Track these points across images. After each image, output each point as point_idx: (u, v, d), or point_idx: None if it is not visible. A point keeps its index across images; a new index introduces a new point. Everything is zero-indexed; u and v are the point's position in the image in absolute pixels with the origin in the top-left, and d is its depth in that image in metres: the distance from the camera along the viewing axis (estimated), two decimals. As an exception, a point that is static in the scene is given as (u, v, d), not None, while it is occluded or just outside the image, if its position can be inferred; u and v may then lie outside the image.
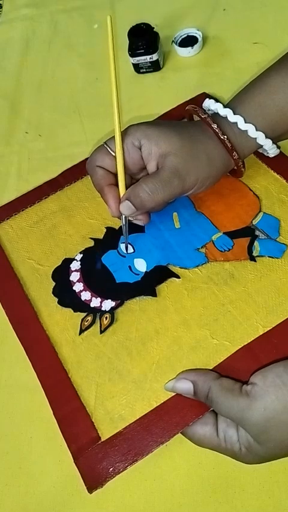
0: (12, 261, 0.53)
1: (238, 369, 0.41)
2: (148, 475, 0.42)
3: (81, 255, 0.52)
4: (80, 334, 0.47)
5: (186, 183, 0.45)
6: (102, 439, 0.41)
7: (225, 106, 0.47)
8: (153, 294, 0.47)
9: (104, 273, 0.50)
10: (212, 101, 0.48)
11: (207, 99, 0.49)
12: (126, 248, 0.50)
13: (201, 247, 0.49)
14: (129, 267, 0.50)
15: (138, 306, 0.47)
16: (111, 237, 0.52)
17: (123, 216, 0.47)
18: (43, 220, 0.56)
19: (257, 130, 0.46)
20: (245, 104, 0.47)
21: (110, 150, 0.47)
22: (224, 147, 0.46)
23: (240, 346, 0.43)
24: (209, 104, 0.49)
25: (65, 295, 0.50)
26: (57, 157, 0.64)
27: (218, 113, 0.47)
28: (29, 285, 0.51)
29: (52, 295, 0.50)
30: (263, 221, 0.50)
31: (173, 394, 0.41)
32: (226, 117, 0.46)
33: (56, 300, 0.49)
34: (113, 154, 0.46)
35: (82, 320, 0.47)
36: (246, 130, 0.46)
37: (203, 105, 0.50)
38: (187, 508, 0.41)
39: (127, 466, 0.39)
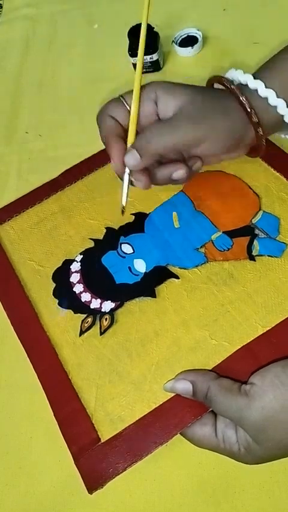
0: (14, 262, 0.53)
1: (237, 370, 0.41)
2: (148, 475, 0.42)
3: (81, 256, 0.52)
4: (80, 335, 0.47)
5: (198, 132, 0.41)
6: (102, 440, 0.41)
7: (254, 77, 0.44)
8: (153, 294, 0.47)
9: (103, 274, 0.50)
10: (240, 71, 0.45)
11: (233, 69, 0.46)
12: (123, 212, 0.45)
13: (201, 246, 0.49)
14: (129, 267, 0.50)
15: (137, 307, 0.47)
16: (111, 238, 0.52)
17: (126, 175, 0.43)
18: (43, 221, 0.56)
19: (277, 97, 0.43)
20: (275, 77, 0.43)
21: (125, 102, 0.44)
22: (250, 121, 0.43)
23: (239, 347, 0.43)
24: (236, 75, 0.45)
25: (65, 297, 0.50)
26: (57, 157, 0.64)
27: (245, 85, 0.44)
28: (30, 286, 0.51)
29: (52, 296, 0.50)
30: (263, 220, 0.50)
31: (172, 395, 0.41)
32: (256, 90, 0.43)
33: (57, 301, 0.49)
34: (128, 107, 0.44)
35: (82, 321, 0.48)
36: (276, 106, 0.43)
37: (228, 74, 0.46)
38: (187, 508, 0.41)
39: (127, 466, 0.39)
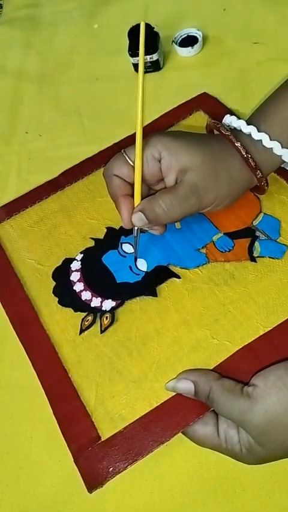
0: (13, 261, 0.53)
1: (239, 369, 0.41)
2: (148, 475, 0.42)
3: (82, 255, 0.52)
4: (80, 334, 0.47)
5: (204, 201, 0.44)
6: (103, 439, 0.41)
7: (247, 122, 0.45)
8: (154, 294, 0.47)
9: (104, 273, 0.50)
10: (234, 117, 0.47)
11: (228, 115, 0.48)
12: (136, 260, 0.50)
13: (202, 247, 0.49)
14: (130, 267, 0.50)
15: (138, 306, 0.47)
16: (112, 237, 0.52)
17: (136, 228, 0.46)
18: (43, 220, 0.56)
19: (282, 147, 0.44)
20: (268, 120, 0.45)
21: (128, 159, 0.45)
22: (248, 166, 0.44)
23: (240, 346, 0.43)
24: (230, 121, 0.47)
25: (65, 295, 0.49)
26: (57, 157, 0.64)
27: (240, 130, 0.46)
28: (30, 285, 0.51)
29: (52, 295, 0.50)
30: (264, 222, 0.50)
31: (174, 393, 0.41)
32: (250, 134, 0.45)
33: (57, 299, 0.49)
34: (132, 164, 0.45)
35: (82, 320, 0.47)
36: (272, 148, 0.44)
37: (224, 121, 0.48)
38: (187, 508, 0.41)
39: (127, 465, 0.39)
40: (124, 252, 0.51)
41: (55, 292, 0.50)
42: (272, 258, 0.48)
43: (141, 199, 0.45)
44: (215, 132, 0.49)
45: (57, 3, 0.86)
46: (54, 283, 0.51)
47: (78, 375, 0.45)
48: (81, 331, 0.47)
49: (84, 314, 0.48)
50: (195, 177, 0.43)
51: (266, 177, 0.46)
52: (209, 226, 0.51)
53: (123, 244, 0.51)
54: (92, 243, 0.52)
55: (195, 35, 0.71)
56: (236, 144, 0.44)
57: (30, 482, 0.43)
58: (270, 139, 0.44)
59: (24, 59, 0.79)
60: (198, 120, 0.61)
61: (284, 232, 0.49)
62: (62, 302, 0.49)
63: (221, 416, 0.39)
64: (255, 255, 0.48)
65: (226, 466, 0.41)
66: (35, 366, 0.46)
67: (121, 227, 0.53)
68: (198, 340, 0.44)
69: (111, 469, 0.39)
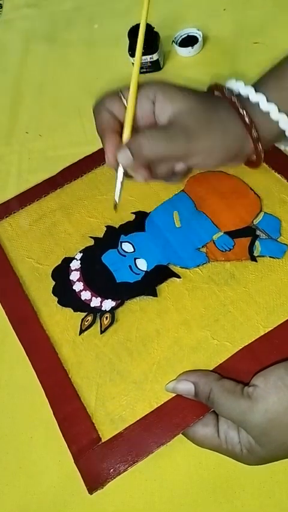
0: (12, 260, 0.53)
1: (239, 370, 0.41)
2: (148, 475, 0.42)
3: (81, 254, 0.52)
4: (80, 334, 0.47)
5: (192, 145, 0.41)
6: (103, 440, 0.41)
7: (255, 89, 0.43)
8: (154, 293, 0.47)
9: (104, 272, 0.50)
10: (242, 83, 0.44)
11: (233, 79, 0.45)
12: (115, 207, 0.44)
13: (202, 246, 0.49)
14: (130, 266, 0.49)
15: (138, 306, 0.47)
16: (112, 236, 0.52)
17: (119, 170, 0.43)
18: (42, 219, 0.56)
19: (279, 112, 0.42)
20: (268, 84, 0.43)
21: (122, 96, 0.43)
22: (242, 122, 0.42)
23: (241, 347, 0.43)
24: (237, 87, 0.44)
25: (65, 295, 0.49)
26: (57, 157, 0.64)
27: (239, 93, 0.43)
28: (29, 284, 0.51)
29: (52, 294, 0.50)
30: (264, 221, 0.50)
31: (174, 394, 0.41)
32: (248, 97, 0.42)
33: (56, 299, 0.49)
34: (125, 101, 0.43)
35: (82, 320, 0.47)
36: (268, 112, 0.42)
37: (228, 84, 0.45)
38: (187, 508, 0.41)
39: (128, 467, 0.39)
40: (124, 251, 0.51)
41: (55, 291, 0.50)
42: (273, 257, 0.47)
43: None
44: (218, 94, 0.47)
45: (57, 3, 0.86)
46: (53, 282, 0.51)
47: (78, 376, 0.44)
48: (81, 331, 0.47)
49: (84, 314, 0.48)
50: (187, 119, 0.41)
51: (262, 144, 0.43)
52: (209, 225, 0.51)
53: (122, 243, 0.51)
54: (91, 242, 0.52)
55: (195, 35, 0.71)
56: (241, 111, 0.42)
57: (30, 482, 0.43)
58: (268, 101, 0.42)
59: (24, 58, 0.79)
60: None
61: (285, 231, 0.49)
62: (62, 302, 0.49)
63: (221, 417, 0.39)
64: (255, 254, 0.48)
65: (226, 466, 0.41)
66: (34, 367, 0.45)
67: (121, 226, 0.52)
68: (198, 340, 0.44)
69: (111, 470, 0.39)
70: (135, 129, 0.43)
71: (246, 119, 0.41)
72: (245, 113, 0.41)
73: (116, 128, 0.43)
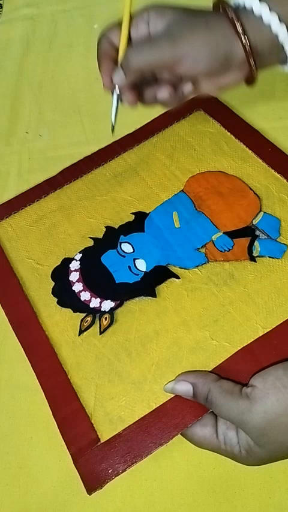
0: (12, 261, 0.53)
1: (238, 370, 0.41)
2: (148, 475, 0.42)
3: (81, 254, 0.52)
4: (79, 334, 0.47)
5: (177, 48, 0.41)
6: (102, 441, 0.41)
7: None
8: (153, 294, 0.47)
9: (103, 273, 0.50)
10: None
11: None
12: (113, 129, 0.49)
13: (201, 247, 0.49)
14: (129, 267, 0.49)
15: (137, 307, 0.47)
16: (111, 237, 0.52)
17: (114, 92, 0.46)
18: (42, 219, 0.56)
19: (280, 22, 0.41)
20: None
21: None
22: (232, 27, 0.41)
23: (239, 348, 0.43)
24: None
25: (64, 296, 0.49)
26: (57, 157, 0.64)
27: (240, 7, 0.42)
28: (29, 285, 0.51)
29: (51, 295, 0.50)
30: (264, 221, 0.50)
31: (172, 395, 0.41)
32: (251, 9, 0.41)
33: (56, 300, 0.49)
34: None
35: (81, 321, 0.47)
36: (270, 25, 0.41)
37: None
38: (187, 509, 0.41)
39: (126, 467, 0.39)
40: (123, 251, 0.51)
41: (54, 292, 0.50)
42: (272, 257, 0.47)
43: None
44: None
45: (57, 3, 0.85)
46: (53, 283, 0.51)
47: (78, 377, 0.45)
48: (81, 332, 0.47)
49: (84, 315, 0.48)
50: (171, 23, 0.42)
51: (253, 54, 0.42)
52: (208, 225, 0.51)
53: (122, 244, 0.51)
54: (91, 243, 0.52)
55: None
56: (230, 15, 0.41)
57: (30, 482, 0.43)
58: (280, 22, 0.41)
59: (24, 58, 0.78)
60: (199, 120, 0.61)
61: (284, 231, 0.49)
62: (61, 302, 0.49)
63: (220, 418, 0.39)
64: (255, 254, 0.48)
65: (226, 466, 0.41)
66: (34, 367, 0.46)
67: (120, 226, 0.53)
68: (197, 341, 0.44)
69: (110, 470, 0.39)
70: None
71: (238, 27, 0.41)
72: (234, 18, 0.41)
73: (113, 54, 0.45)
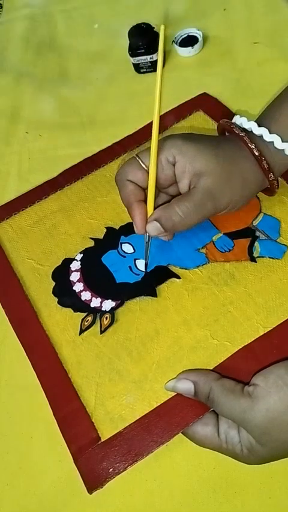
0: (12, 261, 0.53)
1: (239, 370, 0.41)
2: (148, 475, 0.42)
3: (81, 255, 0.52)
4: (80, 334, 0.47)
5: (219, 206, 0.44)
6: (102, 440, 0.41)
7: (258, 124, 0.45)
8: (154, 294, 0.47)
9: (104, 273, 0.50)
10: (245, 118, 0.46)
11: (238, 116, 0.47)
12: (146, 266, 0.49)
13: (202, 247, 0.49)
14: (130, 267, 0.50)
15: (138, 306, 0.47)
16: (112, 237, 0.52)
17: (146, 237, 0.46)
18: (43, 220, 0.56)
19: (283, 141, 0.44)
20: (279, 121, 0.45)
21: (142, 164, 0.45)
22: (260, 168, 0.44)
23: (240, 347, 0.43)
24: (241, 122, 0.46)
25: (65, 295, 0.49)
26: (57, 157, 0.64)
27: (251, 131, 0.45)
28: (29, 285, 0.51)
29: (52, 295, 0.50)
30: (264, 222, 0.50)
31: (174, 394, 0.41)
32: (261, 135, 0.44)
33: (56, 300, 0.49)
34: (146, 168, 0.44)
35: (82, 320, 0.47)
36: (283, 150, 0.44)
37: (234, 121, 0.48)
38: (187, 508, 0.41)
39: (127, 466, 0.39)
40: (124, 252, 0.51)
41: (55, 292, 0.50)
42: (272, 258, 0.47)
43: (154, 204, 0.45)
44: (226, 132, 0.49)
45: (57, 3, 0.86)
46: (53, 283, 0.51)
47: (78, 376, 0.45)
48: (81, 331, 0.47)
49: (84, 314, 0.48)
50: (210, 182, 0.43)
51: (277, 179, 0.46)
52: (209, 226, 0.51)
53: (123, 244, 0.51)
54: (91, 243, 0.52)
55: (195, 35, 0.71)
56: (251, 146, 0.44)
57: (30, 482, 0.43)
58: (282, 141, 0.44)
59: (24, 58, 0.78)
60: (199, 120, 0.61)
61: (284, 232, 0.49)
62: (62, 302, 0.49)
63: (221, 417, 0.39)
64: (255, 255, 0.48)
65: (226, 466, 0.41)
66: (34, 367, 0.46)
67: (121, 227, 0.53)
68: (198, 340, 0.44)
69: (111, 469, 0.39)
70: (157, 191, 0.46)
71: (265, 165, 0.44)
72: (263, 159, 0.44)
73: (141, 197, 0.45)
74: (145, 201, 0.45)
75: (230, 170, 0.44)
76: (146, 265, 0.49)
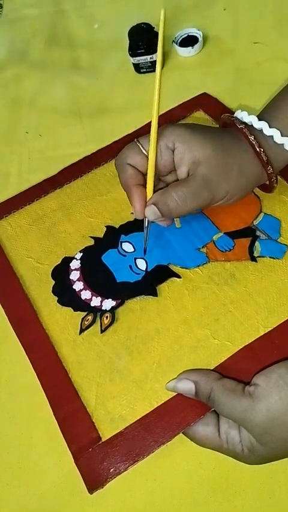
0: (12, 260, 0.53)
1: (239, 369, 0.41)
2: (148, 475, 0.42)
3: (81, 253, 0.52)
4: (80, 333, 0.47)
5: (216, 195, 0.44)
6: (103, 440, 0.41)
7: (259, 118, 0.46)
8: (154, 293, 0.47)
9: (104, 272, 0.50)
10: (245, 112, 0.47)
11: (239, 110, 0.48)
12: (145, 251, 0.49)
13: (202, 247, 0.49)
14: (130, 266, 0.49)
15: (139, 306, 0.47)
16: (112, 236, 0.52)
17: (145, 221, 0.46)
18: (42, 219, 0.56)
19: (282, 136, 0.44)
20: (280, 116, 0.45)
21: (142, 148, 0.45)
22: (259, 161, 0.45)
23: (241, 346, 0.43)
24: (242, 116, 0.47)
25: (65, 294, 0.49)
26: (57, 157, 0.64)
27: (251, 125, 0.46)
28: (29, 284, 0.51)
29: (52, 294, 0.50)
30: (264, 222, 0.50)
31: (174, 394, 0.41)
32: (261, 129, 0.45)
33: (56, 299, 0.49)
34: (145, 153, 0.45)
35: (82, 319, 0.47)
36: (282, 144, 0.44)
37: (235, 115, 0.48)
38: (187, 508, 0.41)
39: (128, 466, 0.39)
40: (124, 251, 0.51)
41: (54, 291, 0.50)
42: (273, 257, 0.47)
43: (154, 189, 0.45)
44: (227, 127, 0.49)
45: (58, 3, 0.86)
46: (53, 282, 0.50)
47: (79, 375, 0.44)
48: (81, 330, 0.47)
49: (84, 313, 0.48)
50: (207, 170, 0.43)
51: (275, 174, 0.46)
52: (209, 225, 0.51)
53: (123, 243, 0.51)
54: (91, 242, 0.52)
55: (195, 35, 0.71)
56: (250, 138, 0.44)
57: (30, 482, 0.43)
58: (282, 136, 0.44)
59: (24, 58, 0.78)
60: (199, 120, 0.61)
61: (285, 232, 0.49)
62: (62, 301, 0.49)
63: (222, 417, 0.39)
64: (255, 254, 0.48)
65: (226, 466, 0.41)
66: (35, 366, 0.45)
67: (121, 226, 0.53)
68: (198, 340, 0.44)
69: (111, 469, 0.39)
70: (157, 178, 0.46)
71: (263, 157, 0.44)
72: (262, 151, 0.44)
73: (140, 181, 0.46)
74: (144, 185, 0.45)
75: (229, 161, 0.44)
76: (144, 249, 0.49)
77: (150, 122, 0.44)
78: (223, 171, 0.44)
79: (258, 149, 0.44)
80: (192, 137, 0.44)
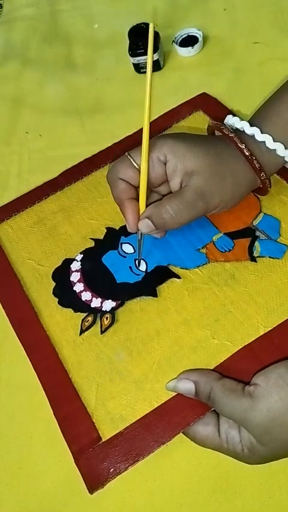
0: (12, 262, 0.53)
1: (239, 369, 0.41)
2: (148, 475, 0.42)
3: (82, 255, 0.52)
4: (80, 334, 0.47)
5: (210, 205, 0.44)
6: (103, 440, 0.41)
7: (250, 123, 0.45)
8: (154, 294, 0.47)
9: (104, 273, 0.50)
10: (237, 118, 0.46)
11: (230, 116, 0.48)
12: (139, 264, 0.49)
13: (202, 247, 0.49)
14: (130, 267, 0.50)
15: (138, 306, 0.47)
16: (112, 238, 0.52)
17: (139, 234, 0.46)
18: (43, 221, 0.56)
19: (286, 148, 0.44)
20: (271, 121, 0.45)
21: (133, 162, 0.45)
22: (252, 168, 0.45)
23: (241, 346, 0.43)
24: (233, 122, 0.47)
25: (65, 296, 0.49)
26: (57, 157, 0.64)
27: (243, 131, 0.46)
28: (29, 286, 0.51)
29: (52, 295, 0.50)
30: (264, 222, 0.50)
31: (174, 394, 0.41)
32: (253, 135, 0.45)
33: (57, 300, 0.49)
34: (137, 167, 0.44)
35: (82, 320, 0.47)
36: (275, 149, 0.44)
37: (226, 121, 0.48)
38: (187, 508, 0.41)
39: (128, 466, 0.39)
40: (124, 252, 0.51)
41: (55, 292, 0.50)
42: (272, 258, 0.48)
43: (146, 202, 0.45)
44: (217, 133, 0.49)
45: (57, 3, 0.86)
46: (54, 283, 0.51)
47: (79, 376, 0.45)
48: (82, 331, 0.47)
49: (85, 314, 0.48)
50: (200, 181, 0.43)
51: (269, 178, 0.46)
52: (209, 226, 0.51)
53: (123, 245, 0.51)
54: (91, 244, 0.52)
55: (195, 35, 0.71)
56: (241, 146, 0.44)
57: (30, 482, 0.43)
58: (274, 141, 0.44)
59: (24, 58, 0.78)
60: (198, 120, 0.61)
61: (284, 232, 0.49)
62: (62, 302, 0.49)
63: (222, 417, 0.39)
64: (255, 255, 0.48)
65: (226, 466, 0.41)
66: (35, 367, 0.46)
67: (121, 227, 0.53)
68: (198, 340, 0.44)
69: (112, 469, 0.39)
70: (149, 190, 0.46)
71: (256, 164, 0.44)
72: (254, 158, 0.44)
73: (132, 194, 0.46)
74: (137, 198, 0.45)
75: (221, 170, 0.44)
76: (139, 261, 0.49)
77: (150, 122, 0.43)
78: (217, 181, 0.44)
79: (250, 157, 0.44)
80: (183, 148, 0.43)
